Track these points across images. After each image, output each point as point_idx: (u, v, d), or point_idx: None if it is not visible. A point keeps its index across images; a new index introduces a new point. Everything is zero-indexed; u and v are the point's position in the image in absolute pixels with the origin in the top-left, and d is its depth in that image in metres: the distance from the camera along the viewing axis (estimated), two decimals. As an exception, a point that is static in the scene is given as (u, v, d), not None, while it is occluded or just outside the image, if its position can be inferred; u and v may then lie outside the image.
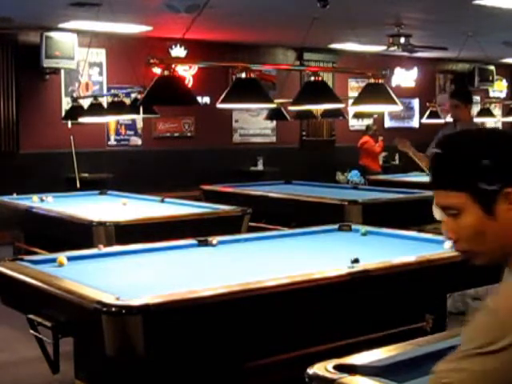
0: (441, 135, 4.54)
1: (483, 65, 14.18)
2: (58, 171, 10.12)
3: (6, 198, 7.17)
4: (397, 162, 13.62)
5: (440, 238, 4.74)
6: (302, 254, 4.42)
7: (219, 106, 4.89)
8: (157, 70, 4.94)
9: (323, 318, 3.68)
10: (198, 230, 5.27)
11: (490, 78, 14.49)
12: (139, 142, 11.07)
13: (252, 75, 4.68)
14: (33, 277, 3.52)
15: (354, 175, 12.24)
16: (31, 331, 3.46)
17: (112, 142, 10.83)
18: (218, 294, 3.18)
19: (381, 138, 12.08)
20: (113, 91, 8.73)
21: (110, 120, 10.00)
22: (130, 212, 6.14)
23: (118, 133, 10.85)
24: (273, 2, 8.36)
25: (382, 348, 2.30)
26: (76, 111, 8.16)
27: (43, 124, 10.10)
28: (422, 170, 10.51)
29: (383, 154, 12.74)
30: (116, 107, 7.28)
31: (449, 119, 10.04)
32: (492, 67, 14.39)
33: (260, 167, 12.08)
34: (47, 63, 9.73)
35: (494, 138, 1.56)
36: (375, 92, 5.04)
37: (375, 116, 13.46)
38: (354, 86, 13.13)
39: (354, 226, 5.26)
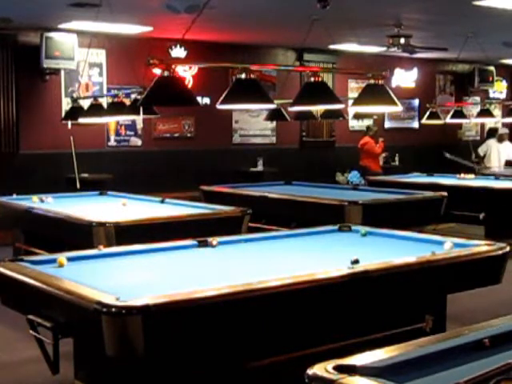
0: None
1: (483, 65, 14.18)
2: (58, 172, 10.12)
3: (5, 199, 7.17)
4: (397, 162, 13.63)
5: (440, 238, 4.75)
6: (302, 254, 4.42)
7: (219, 106, 4.90)
8: (157, 71, 4.93)
9: (322, 319, 3.68)
10: (198, 230, 5.28)
11: (490, 79, 14.49)
12: (139, 142, 11.07)
13: (252, 76, 4.68)
14: (33, 277, 3.52)
15: (354, 176, 12.24)
16: (31, 332, 3.46)
17: (112, 142, 10.83)
18: (218, 295, 3.18)
19: (381, 139, 12.08)
20: (113, 92, 8.74)
21: (110, 120, 10.00)
22: (129, 212, 6.14)
23: (117, 133, 10.84)
24: (273, 3, 8.36)
25: (381, 349, 2.30)
26: (76, 112, 8.16)
27: (43, 124, 10.10)
28: (422, 171, 10.55)
29: (384, 154, 12.74)
30: (116, 108, 7.28)
31: (449, 120, 10.03)
32: (492, 68, 14.39)
33: (260, 168, 12.08)
34: (47, 64, 9.72)
35: None
36: (375, 93, 5.05)
37: (375, 117, 13.46)
38: (354, 87, 13.13)
39: (353, 227, 5.26)
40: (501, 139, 12.95)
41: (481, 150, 13.13)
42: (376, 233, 5.05)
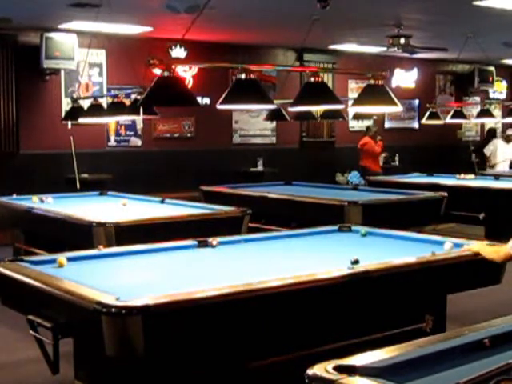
0: None
1: (483, 66, 14.18)
2: (58, 172, 10.12)
3: (5, 199, 7.17)
4: (397, 162, 13.63)
5: (440, 239, 4.75)
6: (302, 254, 4.42)
7: (219, 106, 4.89)
8: (157, 71, 4.93)
9: (323, 319, 3.68)
10: (198, 230, 5.28)
11: (490, 79, 14.49)
12: (139, 142, 11.07)
13: (252, 76, 4.68)
14: (33, 277, 3.52)
15: (354, 176, 12.24)
16: (31, 332, 3.46)
17: (112, 142, 10.83)
18: (218, 295, 3.18)
19: (379, 138, 12.07)
20: (113, 92, 8.74)
21: (110, 121, 10.00)
22: (129, 213, 6.14)
23: (117, 133, 10.85)
24: (273, 3, 8.36)
25: (381, 349, 2.30)
26: (76, 112, 8.16)
27: (43, 125, 10.10)
28: (422, 172, 10.55)
29: (383, 154, 12.74)
30: (116, 108, 7.28)
31: (449, 120, 10.03)
32: (492, 68, 14.38)
33: (260, 168, 12.08)
34: (47, 64, 9.72)
35: None
36: (375, 93, 5.04)
37: (375, 117, 13.46)
38: (354, 87, 13.14)
39: (353, 227, 5.26)
40: (508, 140, 13.02)
41: (487, 150, 13.16)
42: (376, 233, 5.05)
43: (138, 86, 7.29)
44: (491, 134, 13.55)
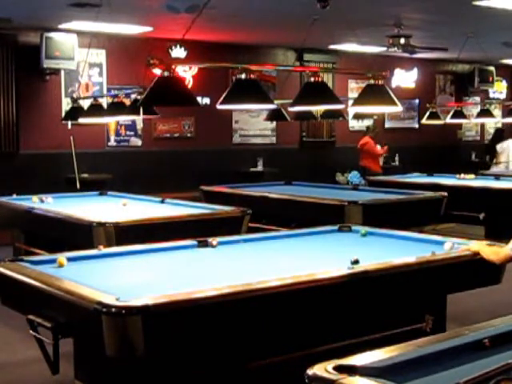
0: None
1: (483, 66, 14.18)
2: (58, 172, 10.12)
3: (5, 199, 7.17)
4: (397, 162, 13.63)
5: (440, 238, 4.75)
6: (302, 255, 4.42)
7: (219, 106, 4.90)
8: (157, 71, 4.93)
9: (322, 319, 3.68)
10: (198, 230, 5.28)
11: (490, 79, 14.50)
12: (139, 142, 11.07)
13: (252, 76, 4.68)
14: (33, 277, 3.52)
15: (354, 176, 12.24)
16: (31, 332, 3.47)
17: (112, 142, 10.83)
18: (218, 295, 3.18)
19: (386, 147, 12.10)
20: (113, 92, 8.74)
21: (110, 121, 10.00)
22: (129, 213, 6.14)
23: (117, 133, 10.85)
24: (273, 3, 8.36)
25: (381, 349, 2.30)
26: (76, 112, 8.16)
27: (43, 125, 10.10)
28: (422, 172, 10.55)
29: (384, 154, 12.75)
30: (116, 108, 7.28)
31: (449, 120, 10.04)
32: (492, 68, 14.39)
33: (260, 168, 12.08)
34: (47, 64, 9.72)
35: None
36: (375, 93, 5.04)
37: (375, 117, 13.45)
38: (354, 87, 13.14)
39: (353, 227, 5.26)
40: None
41: (499, 147, 13.20)
42: (376, 233, 5.05)
43: (137, 86, 7.29)
44: (498, 134, 13.64)
